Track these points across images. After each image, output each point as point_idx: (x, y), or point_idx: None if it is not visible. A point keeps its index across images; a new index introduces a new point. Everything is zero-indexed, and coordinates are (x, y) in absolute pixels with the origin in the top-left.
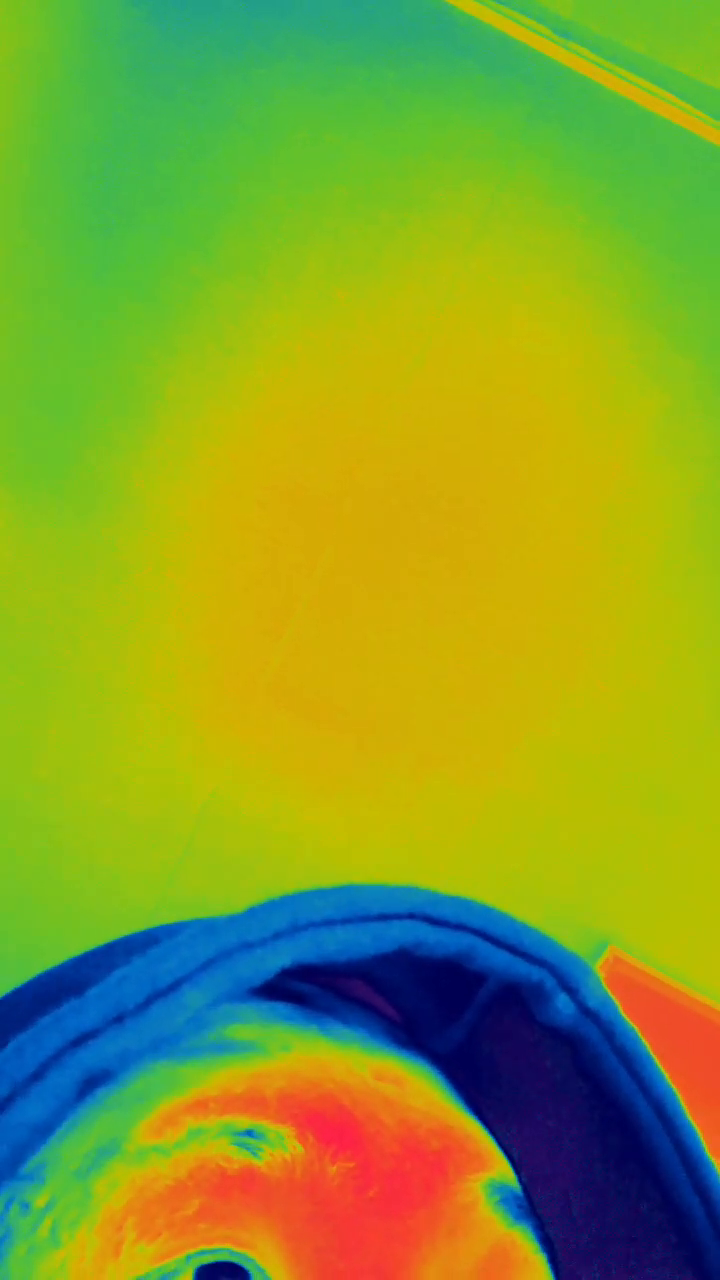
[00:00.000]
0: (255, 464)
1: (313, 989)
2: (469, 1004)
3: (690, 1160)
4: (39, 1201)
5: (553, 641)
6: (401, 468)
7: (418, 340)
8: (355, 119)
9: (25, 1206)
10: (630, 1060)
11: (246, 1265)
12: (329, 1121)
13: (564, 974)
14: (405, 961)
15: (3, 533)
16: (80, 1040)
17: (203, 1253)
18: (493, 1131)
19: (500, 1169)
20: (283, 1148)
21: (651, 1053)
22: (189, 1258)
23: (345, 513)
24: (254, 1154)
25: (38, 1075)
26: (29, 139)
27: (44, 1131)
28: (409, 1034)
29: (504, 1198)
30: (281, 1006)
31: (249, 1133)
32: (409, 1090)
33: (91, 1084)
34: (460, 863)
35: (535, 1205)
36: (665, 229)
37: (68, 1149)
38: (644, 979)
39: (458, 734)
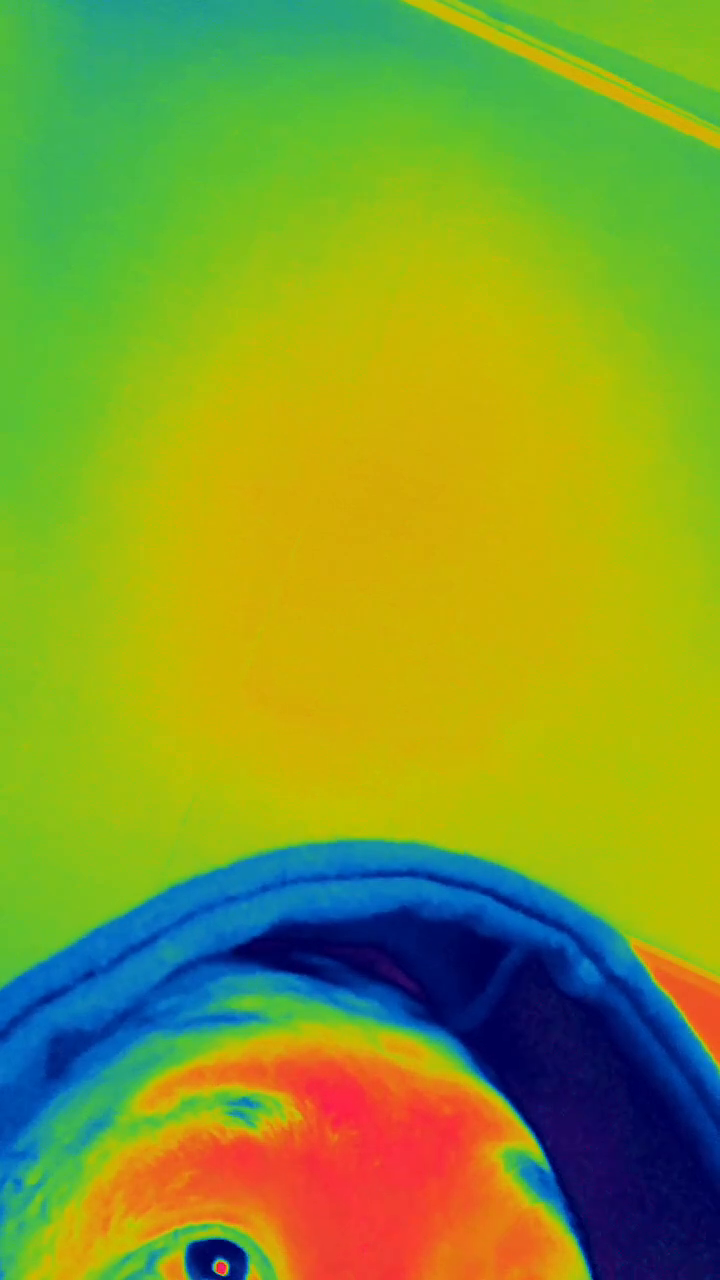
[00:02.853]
0: (217, 461)
1: (327, 962)
2: (490, 976)
3: None
4: (31, 1178)
5: (541, 625)
6: (363, 456)
7: (371, 328)
8: (292, 110)
9: (18, 1184)
10: (664, 1031)
11: (241, 1243)
12: (331, 1089)
13: (586, 938)
14: (418, 928)
15: None
16: (49, 997)
17: (193, 1228)
18: (522, 1112)
19: (522, 1140)
20: (280, 1115)
21: (687, 1023)
22: (178, 1233)
23: (312, 505)
24: (249, 1123)
25: (3, 1035)
26: None
27: (15, 1094)
28: (430, 1010)
29: (525, 1169)
30: (290, 978)
31: (244, 1101)
32: (423, 1059)
33: (61, 1043)
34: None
35: (569, 1189)
36: (607, 205)
37: (61, 1124)
38: (665, 967)
39: (444, 723)
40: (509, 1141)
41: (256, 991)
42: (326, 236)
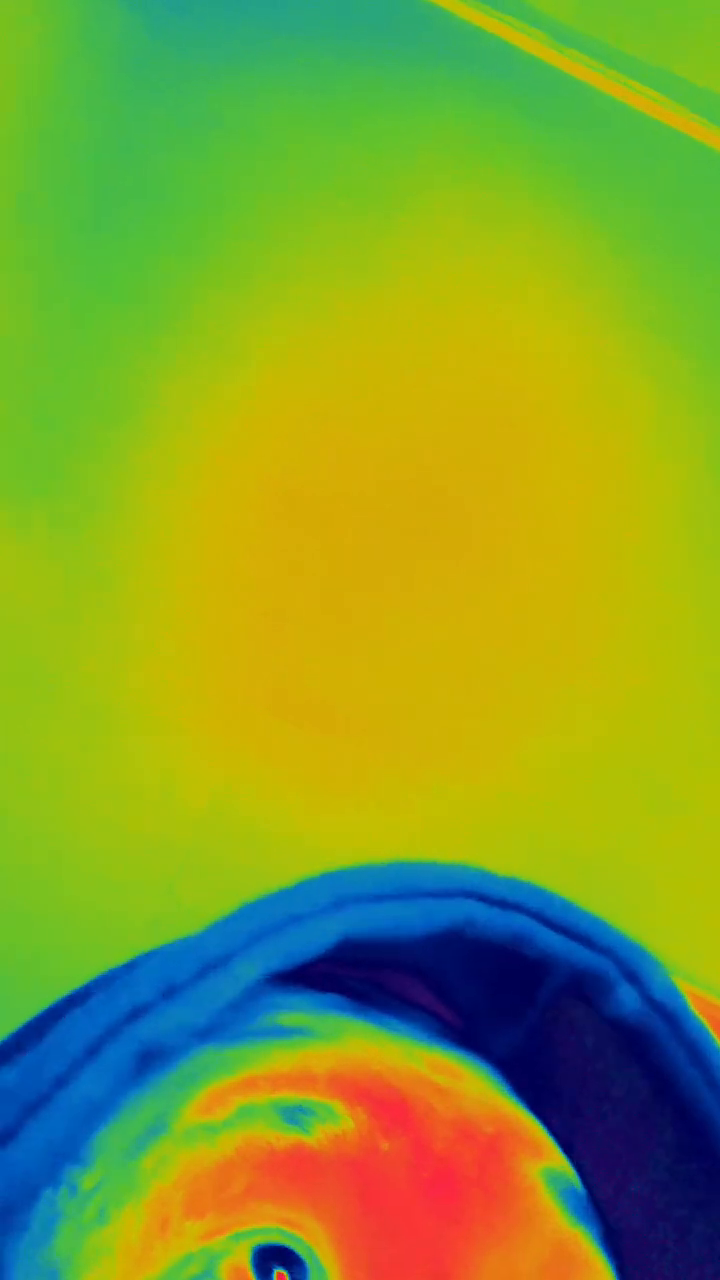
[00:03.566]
0: (250, 469)
1: (366, 985)
2: (530, 1004)
3: None
4: (87, 1184)
5: (570, 641)
6: (398, 469)
7: (411, 341)
8: (347, 121)
9: (74, 1189)
10: (701, 1057)
11: (297, 1248)
12: (380, 1100)
13: (628, 962)
14: (459, 950)
15: None
16: (134, 1014)
17: (251, 1232)
18: (556, 1138)
19: (559, 1162)
20: (333, 1121)
21: None
22: (236, 1236)
23: (343, 517)
24: (303, 1129)
25: (94, 1050)
26: (20, 142)
27: (104, 1109)
28: (466, 1035)
29: (564, 1190)
30: (332, 998)
31: (298, 1107)
32: (464, 1081)
33: (147, 1059)
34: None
35: (602, 1215)
36: (657, 228)
37: (116, 1133)
38: (695, 1000)
39: (465, 738)
40: (547, 1161)
41: (302, 1010)
42: (371, 247)
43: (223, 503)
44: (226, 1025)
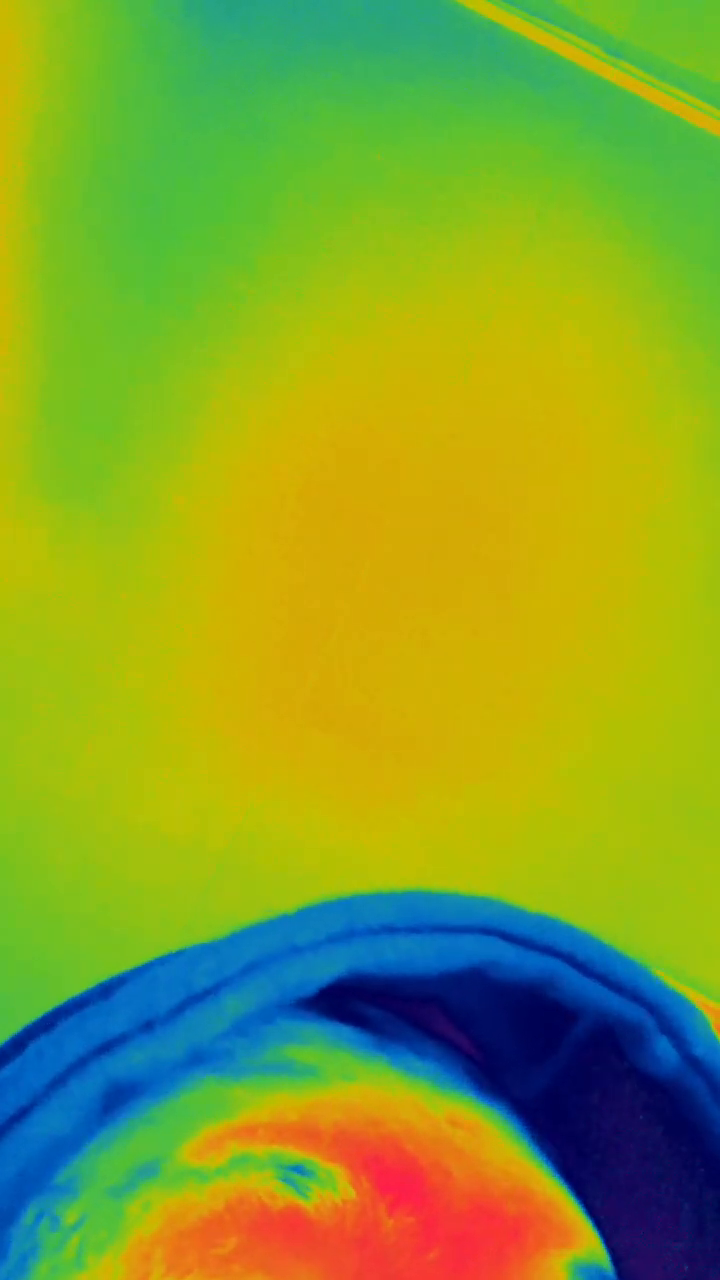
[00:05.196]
0: (296, 480)
1: (383, 1014)
2: (556, 1042)
3: None
4: (69, 1218)
5: (601, 660)
6: (444, 485)
7: (462, 357)
8: (401, 135)
9: (55, 1221)
10: None
11: None
12: (389, 1167)
13: (666, 1014)
14: (481, 986)
15: (42, 550)
16: (106, 1046)
17: None
18: (580, 1195)
19: (589, 1245)
20: (333, 1190)
21: None
22: None
23: (386, 529)
24: (301, 1193)
25: (58, 1082)
26: (75, 151)
27: (67, 1146)
28: (488, 1074)
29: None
30: (347, 1030)
31: (298, 1168)
32: (485, 1140)
33: (118, 1096)
34: (499, 882)
35: None
36: (714, 247)
37: (105, 1163)
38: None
39: (498, 753)
40: (575, 1249)
41: (313, 1042)
42: (425, 262)
43: (266, 513)
44: (232, 1052)
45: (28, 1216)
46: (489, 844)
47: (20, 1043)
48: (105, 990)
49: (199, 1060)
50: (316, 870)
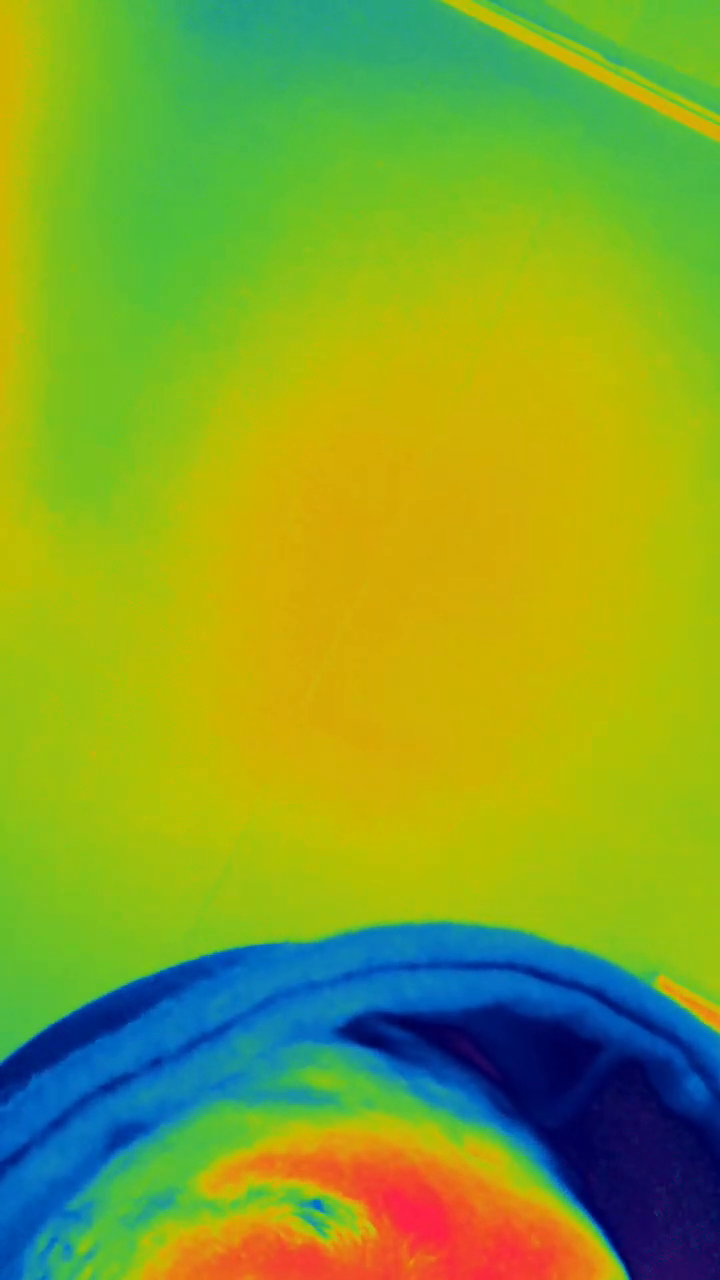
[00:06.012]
0: (299, 485)
1: (405, 1036)
2: (582, 1072)
3: None
4: (82, 1246)
5: (604, 665)
6: (446, 491)
7: (464, 363)
8: (403, 143)
9: (68, 1249)
10: None
11: None
12: (410, 1202)
13: (697, 1051)
14: (505, 1018)
15: (46, 555)
16: (111, 1085)
17: None
18: (606, 1229)
19: (614, 1279)
20: (353, 1227)
21: None
22: None
23: (388, 534)
24: (319, 1230)
25: (59, 1123)
26: (78, 162)
27: (66, 1187)
28: (512, 1099)
29: None
30: (369, 1054)
31: (316, 1204)
32: (508, 1171)
33: (123, 1135)
34: (504, 887)
35: None
36: (716, 253)
37: (119, 1189)
38: (698, 1010)
39: (501, 757)
40: None
41: (333, 1067)
42: (427, 270)
43: (269, 518)
44: (249, 1074)
45: (41, 1242)
46: (493, 848)
47: (22, 1060)
48: (109, 1018)
49: (215, 1084)
50: (321, 873)
